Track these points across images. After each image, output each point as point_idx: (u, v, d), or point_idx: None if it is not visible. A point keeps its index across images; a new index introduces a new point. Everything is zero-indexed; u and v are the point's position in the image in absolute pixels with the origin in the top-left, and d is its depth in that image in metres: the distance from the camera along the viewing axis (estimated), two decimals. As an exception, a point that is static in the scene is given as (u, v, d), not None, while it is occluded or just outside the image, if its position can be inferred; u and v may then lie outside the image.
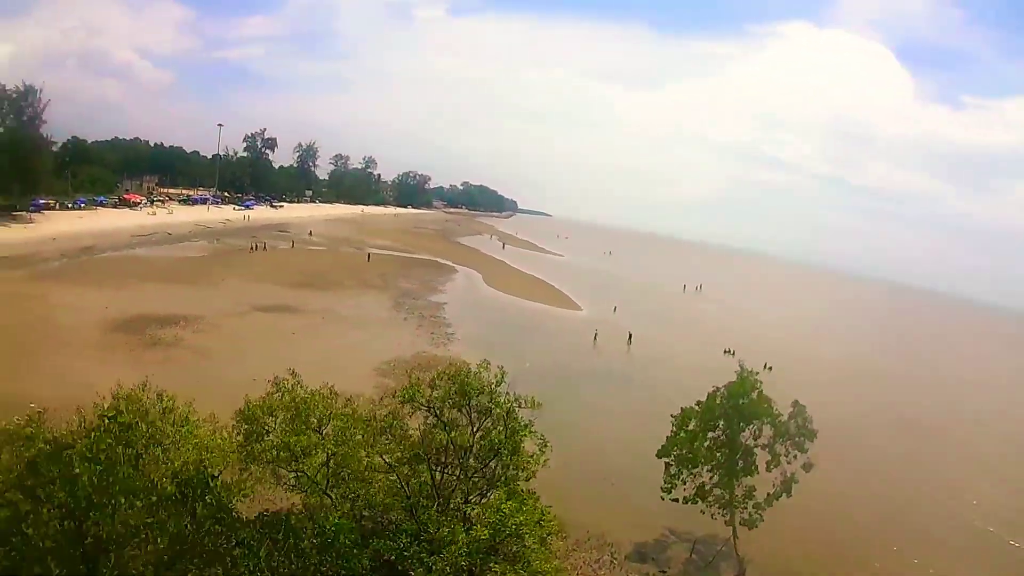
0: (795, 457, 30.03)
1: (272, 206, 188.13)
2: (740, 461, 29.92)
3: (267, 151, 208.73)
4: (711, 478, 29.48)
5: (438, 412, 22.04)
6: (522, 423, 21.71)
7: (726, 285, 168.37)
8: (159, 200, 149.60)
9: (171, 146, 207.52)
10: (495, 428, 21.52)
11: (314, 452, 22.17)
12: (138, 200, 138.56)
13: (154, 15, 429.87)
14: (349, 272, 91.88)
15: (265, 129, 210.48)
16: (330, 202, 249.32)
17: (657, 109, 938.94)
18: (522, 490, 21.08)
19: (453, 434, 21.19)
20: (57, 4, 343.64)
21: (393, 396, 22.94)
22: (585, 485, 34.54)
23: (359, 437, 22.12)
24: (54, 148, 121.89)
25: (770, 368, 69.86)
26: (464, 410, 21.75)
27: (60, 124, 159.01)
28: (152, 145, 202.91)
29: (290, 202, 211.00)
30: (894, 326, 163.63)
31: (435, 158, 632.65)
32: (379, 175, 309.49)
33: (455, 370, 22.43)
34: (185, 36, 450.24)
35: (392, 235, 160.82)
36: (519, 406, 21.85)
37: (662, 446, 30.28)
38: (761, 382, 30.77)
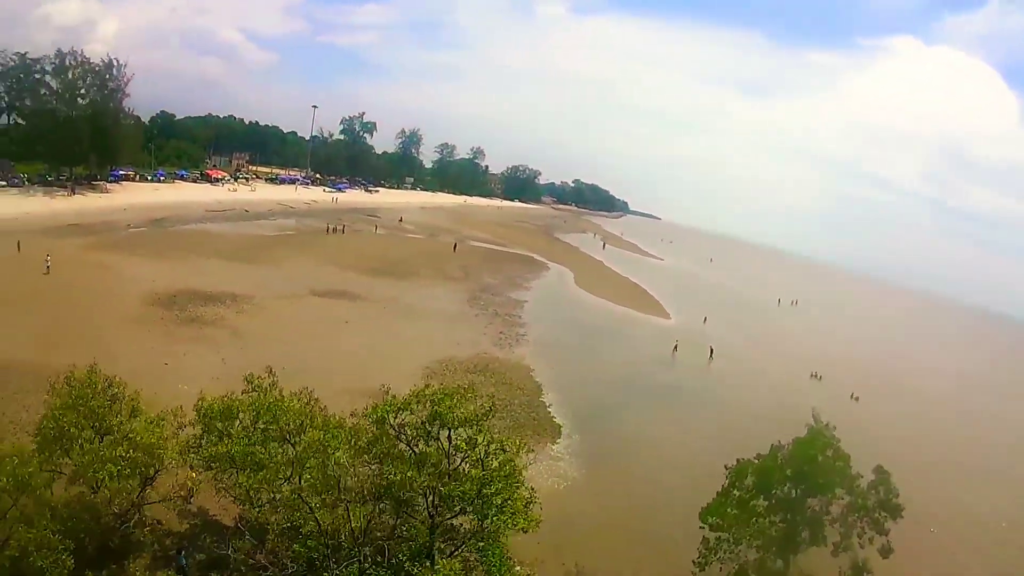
0: (871, 540, 24.29)
1: (367, 190, 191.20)
2: (804, 532, 24.56)
3: (365, 135, 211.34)
4: (759, 555, 24.10)
5: (409, 441, 18.53)
6: (505, 471, 17.64)
7: (822, 302, 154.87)
8: (243, 177, 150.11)
9: (267, 125, 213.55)
10: (470, 473, 17.70)
11: (276, 466, 19.33)
12: (220, 176, 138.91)
13: None
14: (429, 261, 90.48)
15: (364, 112, 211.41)
16: (433, 191, 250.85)
17: (765, 118, 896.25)
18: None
19: (411, 474, 17.42)
20: None
21: (363, 414, 19.58)
22: (619, 525, 30.22)
23: (339, 455, 18.97)
24: (142, 121, 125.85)
25: (856, 399, 63.14)
26: (437, 443, 18.12)
27: (158, 99, 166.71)
28: (247, 123, 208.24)
29: (388, 188, 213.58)
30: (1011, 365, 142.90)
31: (548, 154, 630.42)
32: (487, 167, 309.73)
33: (437, 392, 18.76)
34: (293, 19, 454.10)
35: (490, 227, 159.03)
36: (502, 451, 17.91)
37: (708, 506, 24.95)
38: (838, 440, 25.14)
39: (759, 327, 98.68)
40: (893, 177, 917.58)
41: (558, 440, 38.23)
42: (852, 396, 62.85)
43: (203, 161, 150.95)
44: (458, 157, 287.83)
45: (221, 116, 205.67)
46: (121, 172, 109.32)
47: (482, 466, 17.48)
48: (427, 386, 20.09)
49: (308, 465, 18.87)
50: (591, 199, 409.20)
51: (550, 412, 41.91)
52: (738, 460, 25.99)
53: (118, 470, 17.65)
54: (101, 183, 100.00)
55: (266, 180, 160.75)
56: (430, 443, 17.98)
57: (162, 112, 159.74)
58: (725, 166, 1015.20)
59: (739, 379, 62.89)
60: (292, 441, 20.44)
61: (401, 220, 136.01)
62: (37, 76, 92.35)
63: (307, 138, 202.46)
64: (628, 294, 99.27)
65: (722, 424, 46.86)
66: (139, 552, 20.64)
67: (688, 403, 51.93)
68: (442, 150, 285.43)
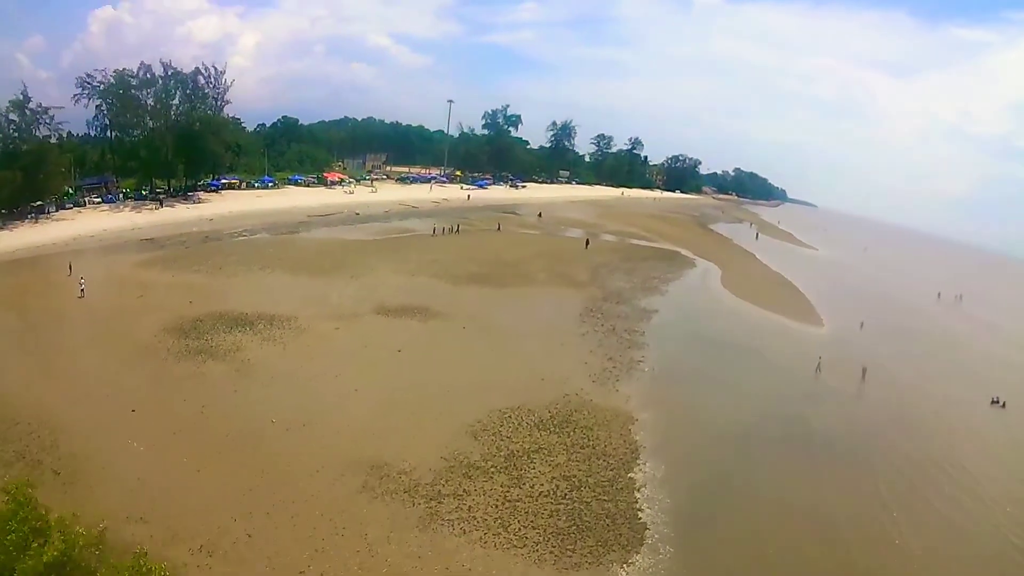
0: None
1: (515, 186, 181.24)
2: None
3: (510, 128, 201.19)
4: None
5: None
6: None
7: (991, 298, 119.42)
8: (368, 178, 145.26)
9: (409, 124, 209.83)
10: None
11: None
12: (339, 178, 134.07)
13: (414, 3, 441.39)
14: (552, 262, 77.23)
15: (508, 105, 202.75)
16: (589, 183, 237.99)
17: (914, 99, 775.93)
18: None
19: None
20: None
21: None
22: None
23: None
24: (243, 128, 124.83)
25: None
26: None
27: (303, 106, 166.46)
28: (387, 123, 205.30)
29: (541, 182, 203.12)
30: None
31: (709, 143, 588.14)
32: (646, 157, 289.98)
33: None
34: (446, 21, 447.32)
35: (640, 220, 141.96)
36: None
37: None
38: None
39: (919, 332, 75.27)
40: None
41: (634, 555, 23.52)
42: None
43: (329, 164, 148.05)
44: (616, 149, 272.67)
45: (359, 119, 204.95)
46: (224, 181, 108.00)
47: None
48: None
49: None
50: (750, 188, 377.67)
51: (636, 499, 27.18)
52: None
53: None
54: (196, 193, 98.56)
55: (397, 180, 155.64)
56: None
57: (284, 117, 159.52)
58: (878, 150, 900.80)
59: (898, 413, 44.02)
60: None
61: (540, 216, 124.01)
62: (134, 90, 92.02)
63: (457, 136, 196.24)
64: (778, 295, 79.14)
65: (883, 499, 30.51)
66: None
67: (830, 459, 34.62)
68: (599, 142, 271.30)
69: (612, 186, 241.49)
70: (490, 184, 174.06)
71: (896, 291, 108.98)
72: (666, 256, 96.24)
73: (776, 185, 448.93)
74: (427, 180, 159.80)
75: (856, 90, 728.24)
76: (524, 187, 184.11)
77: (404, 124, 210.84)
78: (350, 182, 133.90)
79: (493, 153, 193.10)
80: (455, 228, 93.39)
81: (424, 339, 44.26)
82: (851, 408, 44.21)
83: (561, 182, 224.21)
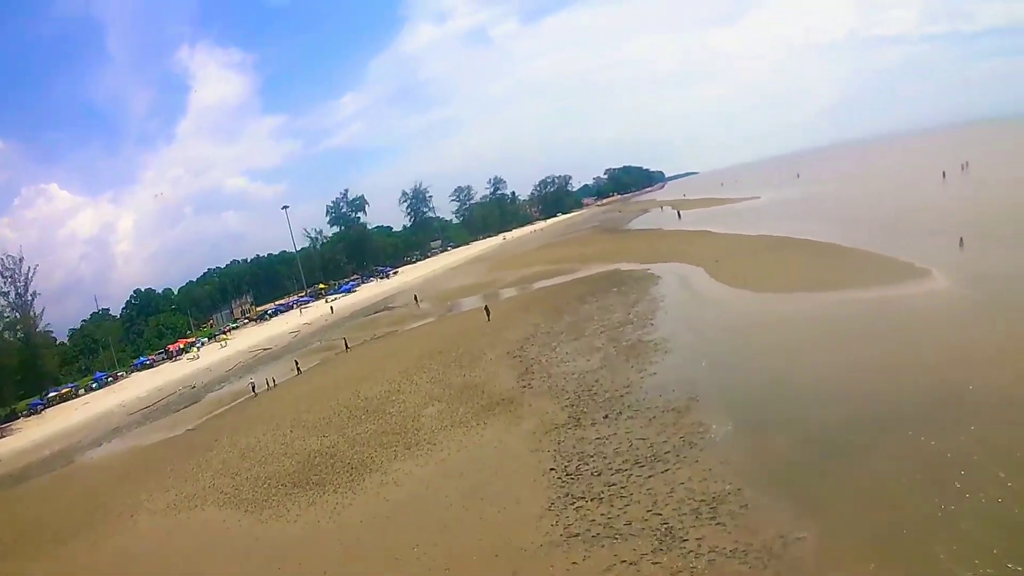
0: None
1: (386, 276, 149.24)
2: None
3: (358, 214, 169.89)
4: None
5: None
6: None
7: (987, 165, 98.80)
8: (216, 335, 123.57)
9: (270, 253, 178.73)
10: None
11: None
12: (184, 344, 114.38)
13: (251, 134, 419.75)
14: (445, 369, 42.97)
15: (347, 189, 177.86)
16: (466, 243, 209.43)
17: (753, 37, 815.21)
18: None
19: None
20: (161, 160, 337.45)
21: None
22: None
23: None
24: (52, 339, 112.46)
25: None
26: None
27: (192, 270, 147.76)
28: (247, 261, 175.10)
29: (414, 262, 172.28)
30: None
31: (568, 161, 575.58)
32: (513, 193, 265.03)
33: None
34: (283, 142, 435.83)
35: (538, 256, 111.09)
36: None
37: None
38: None
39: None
40: (900, 31, 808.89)
41: None
42: None
43: (184, 331, 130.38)
44: (479, 197, 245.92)
45: (222, 266, 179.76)
46: (53, 393, 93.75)
47: None
48: None
49: None
50: (630, 182, 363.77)
51: None
52: None
53: None
54: (8, 425, 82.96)
55: (255, 321, 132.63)
56: None
57: (136, 291, 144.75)
58: (739, 97, 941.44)
59: None
60: None
61: (417, 300, 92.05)
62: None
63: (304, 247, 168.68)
64: (806, 264, 49.26)
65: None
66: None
67: None
68: (458, 196, 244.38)
69: (492, 236, 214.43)
70: (359, 284, 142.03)
71: (906, 191, 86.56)
72: (605, 280, 64.10)
73: (653, 170, 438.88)
74: (288, 308, 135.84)
75: (694, 52, 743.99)
76: (396, 273, 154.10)
77: (265, 256, 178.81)
78: (198, 344, 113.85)
79: (350, 250, 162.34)
80: (298, 368, 62.51)
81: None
82: None
83: (436, 253, 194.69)
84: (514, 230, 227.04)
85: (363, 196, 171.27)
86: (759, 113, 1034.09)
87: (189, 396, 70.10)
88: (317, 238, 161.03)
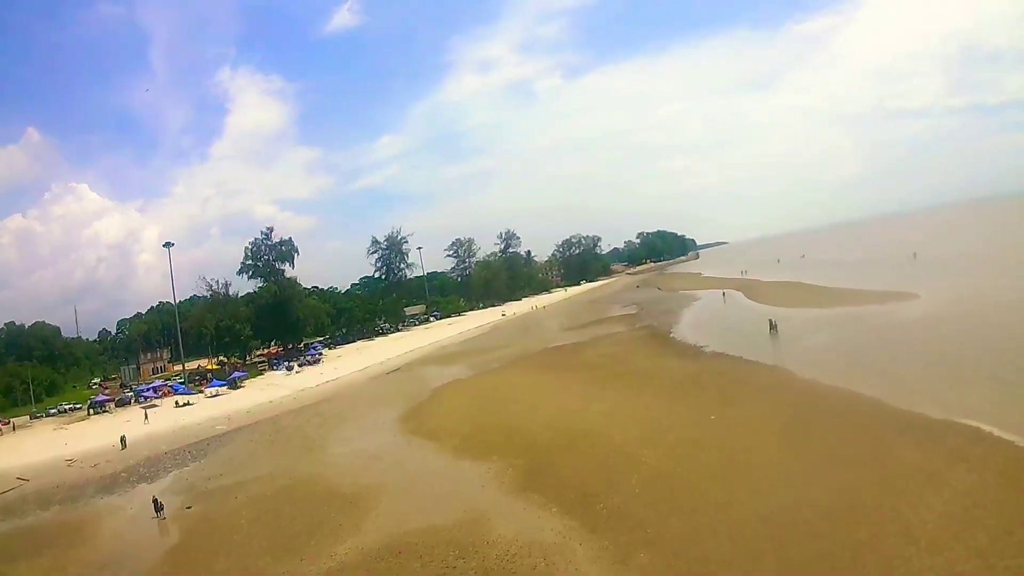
0: None
1: (288, 370, 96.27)
2: None
3: (283, 264, 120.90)
4: None
5: None
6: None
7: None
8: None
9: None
10: None
11: None
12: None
13: (285, 163, 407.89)
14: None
15: (269, 228, 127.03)
16: (459, 312, 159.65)
17: (782, 104, 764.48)
18: None
19: None
20: (193, 177, 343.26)
21: None
22: None
23: None
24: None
25: None
26: None
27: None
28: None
29: (366, 339, 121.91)
30: None
31: (596, 225, 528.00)
32: (529, 252, 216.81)
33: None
34: (316, 176, 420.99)
35: (537, 363, 62.38)
36: None
37: None
38: None
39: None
40: (921, 104, 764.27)
41: None
42: None
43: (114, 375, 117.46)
44: (487, 254, 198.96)
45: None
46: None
47: None
48: None
49: None
50: (664, 248, 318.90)
51: None
52: None
53: None
54: None
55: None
56: None
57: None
58: (764, 164, 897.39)
59: None
60: None
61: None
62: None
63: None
64: None
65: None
66: None
67: None
68: (456, 250, 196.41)
69: (491, 306, 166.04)
70: (246, 378, 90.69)
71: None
72: None
73: (686, 236, 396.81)
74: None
75: (723, 116, 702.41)
76: (319, 359, 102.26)
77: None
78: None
79: (274, 316, 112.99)
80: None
81: None
82: None
83: (411, 325, 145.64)
84: (523, 299, 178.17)
85: (291, 239, 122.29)
86: (784, 183, 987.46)
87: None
88: (220, 291, 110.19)
